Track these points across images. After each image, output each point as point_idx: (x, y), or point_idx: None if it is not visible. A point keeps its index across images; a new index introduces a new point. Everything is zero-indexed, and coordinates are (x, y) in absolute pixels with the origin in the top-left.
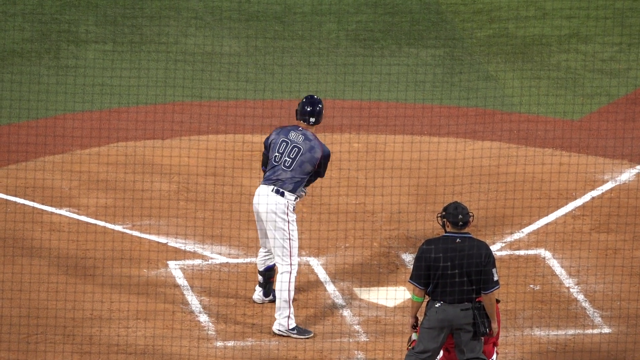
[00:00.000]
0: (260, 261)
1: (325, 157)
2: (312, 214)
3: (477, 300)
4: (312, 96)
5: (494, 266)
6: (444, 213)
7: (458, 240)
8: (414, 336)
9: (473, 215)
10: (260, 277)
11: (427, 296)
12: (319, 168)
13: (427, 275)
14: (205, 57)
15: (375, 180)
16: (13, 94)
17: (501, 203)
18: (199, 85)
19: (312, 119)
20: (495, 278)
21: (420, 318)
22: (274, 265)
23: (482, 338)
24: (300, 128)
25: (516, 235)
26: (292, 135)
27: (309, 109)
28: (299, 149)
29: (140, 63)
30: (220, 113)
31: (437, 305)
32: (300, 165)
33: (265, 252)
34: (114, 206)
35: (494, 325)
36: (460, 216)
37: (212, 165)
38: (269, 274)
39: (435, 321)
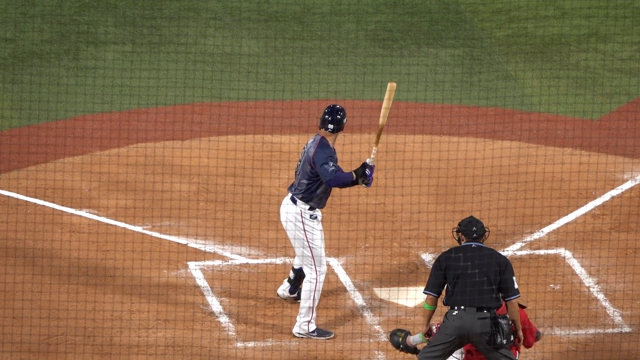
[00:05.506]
0: (296, 259)
1: (318, 152)
2: (332, 214)
3: (496, 312)
4: (333, 105)
5: (513, 274)
6: (458, 227)
7: (474, 245)
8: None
9: (489, 231)
10: (292, 273)
11: (445, 305)
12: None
13: (442, 281)
14: (225, 57)
15: (395, 180)
16: (32, 95)
17: (521, 203)
18: (218, 85)
19: (331, 126)
20: (516, 286)
21: (435, 327)
22: None
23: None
24: (317, 134)
25: (536, 235)
26: (308, 142)
27: (328, 117)
28: (303, 152)
29: (159, 64)
30: (240, 114)
31: (455, 312)
32: (303, 168)
33: None
34: (133, 207)
35: (520, 333)
36: (474, 228)
37: (231, 166)
38: (301, 273)
39: (452, 329)
